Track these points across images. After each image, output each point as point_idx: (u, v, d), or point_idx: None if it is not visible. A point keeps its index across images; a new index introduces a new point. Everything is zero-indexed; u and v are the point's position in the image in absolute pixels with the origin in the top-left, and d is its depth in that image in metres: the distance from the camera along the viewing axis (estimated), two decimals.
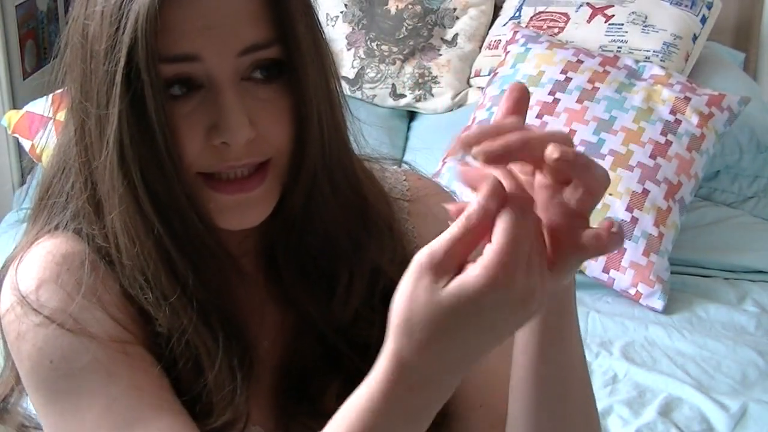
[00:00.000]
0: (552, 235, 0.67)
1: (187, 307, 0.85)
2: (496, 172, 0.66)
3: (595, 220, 0.67)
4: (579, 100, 2.34)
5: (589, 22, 2.71)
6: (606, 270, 2.16)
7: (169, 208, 0.82)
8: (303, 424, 0.90)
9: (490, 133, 0.64)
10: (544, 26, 2.72)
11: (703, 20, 2.71)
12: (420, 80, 2.77)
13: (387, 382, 0.68)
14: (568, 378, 0.82)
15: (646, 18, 2.68)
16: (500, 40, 2.74)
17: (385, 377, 0.68)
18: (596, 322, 2.10)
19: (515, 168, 0.68)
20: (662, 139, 2.28)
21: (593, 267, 2.17)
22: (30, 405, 0.90)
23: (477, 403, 0.93)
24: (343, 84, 0.99)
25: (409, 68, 2.78)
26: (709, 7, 2.74)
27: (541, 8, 2.78)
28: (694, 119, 2.32)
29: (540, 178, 0.67)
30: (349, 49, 2.82)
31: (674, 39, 2.63)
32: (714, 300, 2.18)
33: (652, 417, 1.81)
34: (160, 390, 0.84)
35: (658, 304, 2.14)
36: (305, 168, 0.86)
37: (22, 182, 2.88)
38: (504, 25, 2.81)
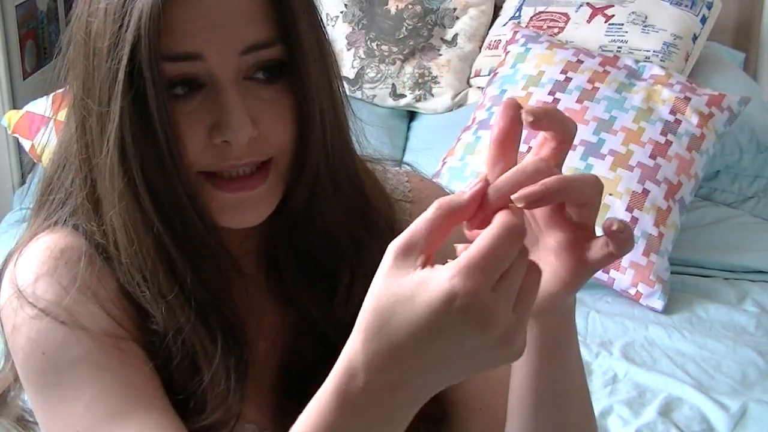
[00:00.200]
0: (561, 254, 0.67)
1: (184, 306, 0.85)
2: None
3: (595, 223, 0.67)
4: (579, 100, 2.34)
5: (589, 22, 2.71)
6: (606, 270, 2.15)
7: (170, 207, 0.83)
8: None
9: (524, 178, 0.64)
10: (544, 26, 2.72)
11: (703, 20, 2.71)
12: (420, 80, 2.77)
13: (339, 370, 0.66)
14: (567, 391, 0.82)
15: (646, 18, 2.68)
16: (500, 40, 2.74)
17: (338, 364, 0.66)
18: (596, 322, 2.10)
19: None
20: (662, 139, 2.28)
21: None
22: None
23: (477, 406, 0.93)
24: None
25: (409, 68, 2.78)
26: (709, 7, 2.74)
27: (541, 8, 2.78)
28: (694, 119, 2.32)
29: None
30: (349, 49, 2.82)
31: (674, 39, 2.64)
32: (714, 300, 2.19)
33: (652, 417, 1.81)
34: (150, 387, 0.84)
35: (658, 304, 2.14)
36: (307, 167, 0.86)
37: (22, 182, 2.88)
38: (504, 25, 2.81)
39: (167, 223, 0.83)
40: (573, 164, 2.23)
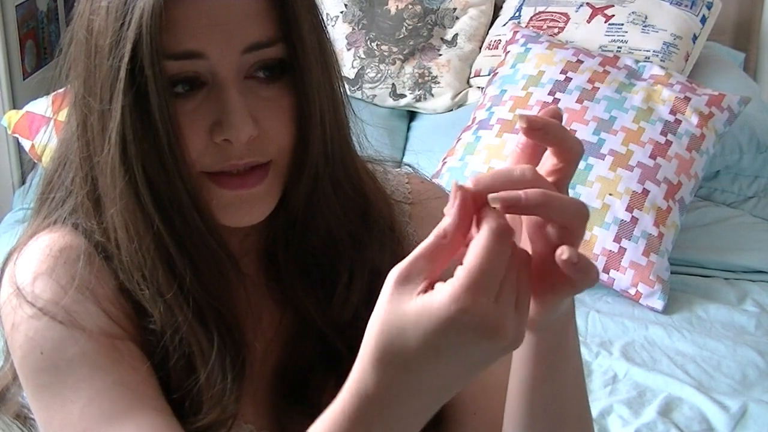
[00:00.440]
0: (539, 269, 0.66)
1: (183, 305, 0.85)
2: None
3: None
4: (579, 100, 2.34)
5: (589, 22, 2.71)
6: (606, 270, 2.16)
7: (171, 206, 0.83)
8: (300, 424, 0.90)
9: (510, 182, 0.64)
10: (544, 26, 2.72)
11: (703, 20, 2.71)
12: (420, 80, 2.77)
13: (346, 397, 0.66)
14: (565, 398, 0.81)
15: (646, 18, 2.68)
16: (500, 40, 2.75)
17: (346, 388, 0.66)
18: (596, 322, 2.10)
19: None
20: (662, 139, 2.28)
21: None
22: None
23: (473, 410, 0.93)
24: None
25: (409, 68, 2.78)
26: (709, 7, 2.74)
27: (541, 8, 2.79)
28: (694, 119, 2.32)
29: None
30: (349, 49, 2.82)
31: (674, 39, 2.64)
32: (714, 300, 2.19)
33: (652, 417, 1.81)
34: (146, 387, 0.84)
35: (658, 304, 2.14)
36: (307, 166, 0.86)
37: (22, 182, 2.88)
38: (504, 25, 2.81)
39: (168, 222, 0.83)
40: None
